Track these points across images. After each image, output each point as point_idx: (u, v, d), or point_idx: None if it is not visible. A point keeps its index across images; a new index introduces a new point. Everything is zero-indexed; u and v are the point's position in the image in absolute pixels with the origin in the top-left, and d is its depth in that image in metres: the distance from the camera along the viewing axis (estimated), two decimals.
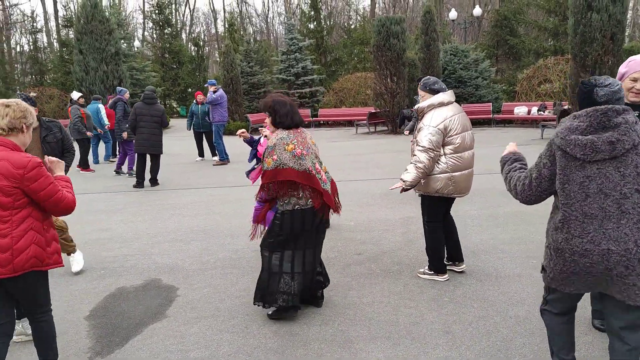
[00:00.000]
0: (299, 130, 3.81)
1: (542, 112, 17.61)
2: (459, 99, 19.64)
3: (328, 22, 30.94)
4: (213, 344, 3.61)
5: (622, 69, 3.33)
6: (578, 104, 2.52)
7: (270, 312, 3.95)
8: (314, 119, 22.40)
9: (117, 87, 13.15)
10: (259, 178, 3.90)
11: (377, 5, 43.09)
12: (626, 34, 23.07)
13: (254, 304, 3.94)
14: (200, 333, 3.79)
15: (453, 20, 26.22)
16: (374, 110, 19.27)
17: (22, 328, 3.73)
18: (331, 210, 3.96)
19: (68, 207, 2.86)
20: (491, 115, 19.38)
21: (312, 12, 29.44)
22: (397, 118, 18.12)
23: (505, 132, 17.42)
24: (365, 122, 19.24)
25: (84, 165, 12.01)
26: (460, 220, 6.43)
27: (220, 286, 4.70)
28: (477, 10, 25.59)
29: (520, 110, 18.49)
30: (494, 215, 6.70)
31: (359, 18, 40.45)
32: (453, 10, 26.80)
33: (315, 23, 29.37)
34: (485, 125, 19.58)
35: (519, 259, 5.09)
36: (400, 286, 4.52)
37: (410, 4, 51.51)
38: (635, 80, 3.22)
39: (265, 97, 3.98)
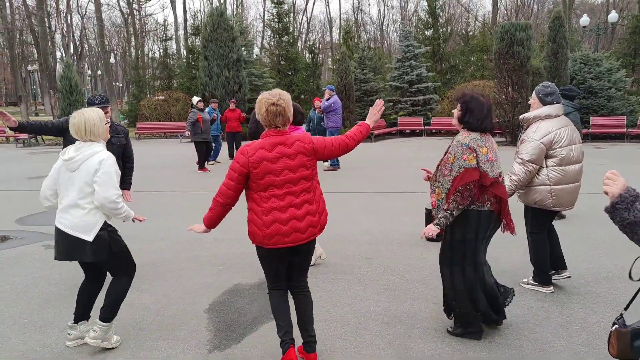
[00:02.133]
0: (488, 136, 3.57)
1: None
2: (588, 111, 18.16)
3: (445, 29, 30.15)
4: (326, 350, 3.58)
5: None
6: None
7: (450, 328, 3.79)
8: (426, 127, 21.92)
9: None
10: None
11: (498, 12, 41.33)
12: None
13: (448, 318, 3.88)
14: None
15: (584, 27, 24.35)
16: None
17: (79, 332, 3.71)
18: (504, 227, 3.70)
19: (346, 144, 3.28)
20: (625, 130, 17.69)
21: (430, 19, 28.91)
22: (518, 129, 17.14)
23: None
24: None
25: (200, 165, 12.67)
26: (590, 243, 5.90)
27: (332, 291, 4.68)
28: (613, 16, 23.56)
29: None
30: (628, 240, 6.03)
31: (478, 25, 39.06)
32: (585, 16, 24.91)
33: (432, 30, 28.80)
34: (617, 140, 17.91)
35: None
36: (523, 309, 4.20)
37: (534, 10, 48.87)
38: None
39: (462, 91, 3.79)
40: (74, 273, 5.31)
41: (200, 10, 50.32)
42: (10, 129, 4.42)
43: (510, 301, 3.87)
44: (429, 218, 6.19)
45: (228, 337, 3.81)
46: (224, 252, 5.95)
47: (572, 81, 18.49)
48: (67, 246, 3.42)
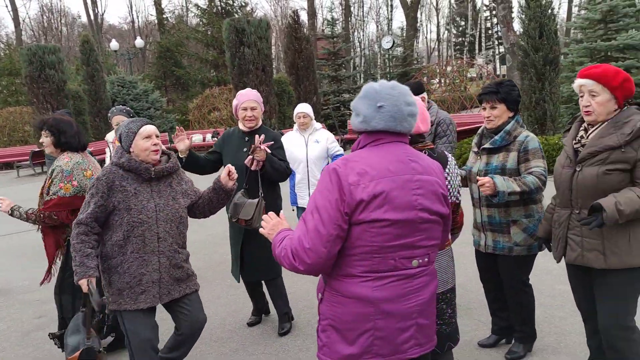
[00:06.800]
0: (87, 155, 3.56)
1: (216, 138, 18.59)
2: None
3: None
4: None
5: (234, 102, 3.81)
6: None
7: None
8: None
9: None
10: None
11: (23, 32, 38.62)
12: (274, 66, 26.54)
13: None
14: None
15: (115, 51, 25.45)
16: (37, 149, 17.01)
17: None
18: None
19: None
20: (169, 144, 19.51)
21: None
22: None
23: None
24: (28, 162, 16.82)
25: None
26: None
27: None
28: (139, 42, 25.49)
29: (196, 138, 19.13)
30: None
31: (1, 46, 35.46)
32: (114, 40, 26.06)
33: None
34: None
35: None
36: None
37: (64, 32, 48.01)
38: (245, 109, 3.68)
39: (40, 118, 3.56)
40: None
41: None
42: None
43: None
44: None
45: None
46: None
47: (113, 103, 19.08)
48: None
